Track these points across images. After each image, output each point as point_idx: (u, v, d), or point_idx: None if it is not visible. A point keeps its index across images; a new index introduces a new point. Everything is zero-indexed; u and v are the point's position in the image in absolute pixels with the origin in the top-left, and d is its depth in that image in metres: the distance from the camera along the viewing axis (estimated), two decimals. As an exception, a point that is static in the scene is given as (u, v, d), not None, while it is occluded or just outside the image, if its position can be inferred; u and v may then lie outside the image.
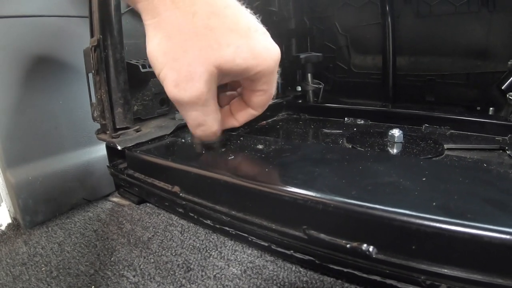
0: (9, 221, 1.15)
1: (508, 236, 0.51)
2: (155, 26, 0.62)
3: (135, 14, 1.26)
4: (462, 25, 1.93)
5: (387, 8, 1.94)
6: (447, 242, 0.56)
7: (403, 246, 0.59)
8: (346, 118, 1.72)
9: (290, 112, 1.90)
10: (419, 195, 0.64)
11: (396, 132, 1.26)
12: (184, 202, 0.93)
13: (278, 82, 1.96)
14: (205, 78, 0.62)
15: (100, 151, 1.28)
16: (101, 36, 1.02)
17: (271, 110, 1.82)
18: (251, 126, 1.59)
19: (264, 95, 0.81)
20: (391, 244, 0.61)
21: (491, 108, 1.72)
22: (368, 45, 2.13)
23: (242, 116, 0.90)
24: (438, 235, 0.56)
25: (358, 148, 1.22)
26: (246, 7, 0.71)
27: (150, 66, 1.17)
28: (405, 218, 0.58)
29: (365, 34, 2.12)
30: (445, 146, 1.27)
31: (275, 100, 1.89)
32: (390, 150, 1.21)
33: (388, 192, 0.66)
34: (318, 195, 0.66)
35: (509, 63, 1.52)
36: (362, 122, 1.69)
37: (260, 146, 0.98)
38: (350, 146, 1.25)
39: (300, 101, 1.96)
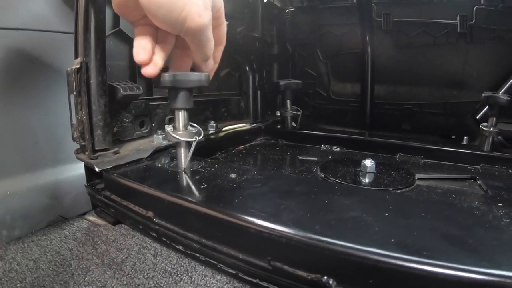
0: (-16, 236, 1.15)
1: (462, 274, 0.54)
2: None
3: (119, 36, 1.30)
4: (440, 56, 2.02)
5: (367, 38, 2.01)
6: (403, 278, 0.58)
7: (361, 280, 0.62)
8: (322, 145, 1.77)
9: (268, 137, 1.94)
10: (379, 231, 0.67)
11: (368, 163, 1.31)
12: (157, 227, 0.94)
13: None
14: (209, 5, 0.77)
15: (78, 169, 1.28)
16: (84, 59, 1.04)
17: (250, 134, 1.87)
18: (228, 151, 1.63)
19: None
20: (349, 278, 0.64)
21: (465, 137, 1.78)
22: (347, 73, 2.20)
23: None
24: (395, 271, 0.58)
25: (329, 180, 1.25)
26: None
27: (131, 89, 1.22)
28: (363, 254, 0.61)
29: (345, 62, 2.19)
30: (417, 176, 1.31)
31: (254, 125, 1.94)
32: (362, 180, 1.25)
33: (350, 227, 0.69)
34: (282, 229, 0.69)
35: (483, 95, 1.58)
36: (338, 149, 1.74)
37: (233, 175, 1.01)
38: (323, 176, 1.29)
39: (278, 126, 2.01)
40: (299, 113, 1.95)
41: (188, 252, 0.90)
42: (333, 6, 2.21)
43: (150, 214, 0.96)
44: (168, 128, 1.11)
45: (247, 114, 1.99)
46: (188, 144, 1.06)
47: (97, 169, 1.07)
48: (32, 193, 1.17)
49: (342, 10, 2.16)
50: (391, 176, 1.29)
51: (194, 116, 1.69)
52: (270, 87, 2.06)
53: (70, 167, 1.29)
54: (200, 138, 1.06)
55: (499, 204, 1.06)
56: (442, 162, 1.55)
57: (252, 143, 1.84)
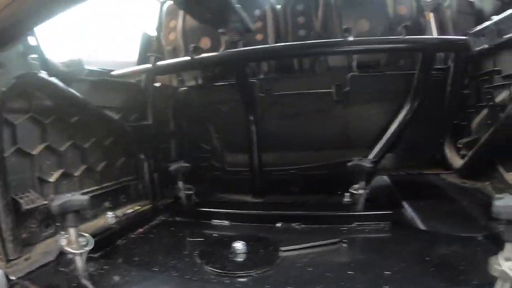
0: None
1: None
2: None
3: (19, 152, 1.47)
4: (321, 122, 2.31)
5: (250, 114, 2.26)
6: None
7: None
8: (213, 220, 1.95)
9: (167, 215, 2.09)
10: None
11: (238, 246, 1.50)
12: None
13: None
14: None
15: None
16: None
17: (149, 215, 2.02)
18: (127, 236, 1.77)
19: None
20: None
21: (346, 194, 1.93)
22: (238, 145, 2.42)
23: None
24: None
25: (202, 268, 1.42)
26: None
27: (33, 201, 1.39)
28: None
29: (235, 135, 2.42)
30: (282, 248, 1.52)
31: (151, 206, 2.11)
32: (231, 265, 1.43)
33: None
34: None
35: (348, 164, 1.83)
36: (227, 223, 1.92)
37: (116, 278, 1.23)
38: (199, 262, 1.47)
39: (175, 205, 2.16)
40: (191, 192, 2.10)
41: None
42: (219, 84, 2.45)
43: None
44: (63, 242, 1.27)
45: (146, 196, 2.16)
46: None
47: (13, 278, 1.22)
48: None
49: (227, 88, 2.40)
50: (259, 254, 1.50)
51: (93, 209, 1.83)
52: (166, 168, 2.20)
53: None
54: (89, 248, 1.25)
55: (350, 272, 1.30)
56: (317, 226, 1.77)
57: (152, 223, 1.98)
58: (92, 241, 1.27)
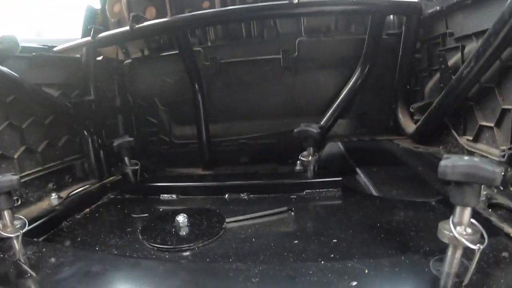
0: None
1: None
2: None
3: None
4: (269, 90, 2.27)
5: (196, 85, 2.20)
6: None
7: None
8: (161, 195, 1.92)
9: (115, 193, 2.04)
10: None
11: (180, 219, 1.48)
12: None
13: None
14: None
15: None
16: None
17: (96, 194, 1.96)
18: (73, 218, 1.72)
19: None
20: None
21: (298, 162, 1.94)
22: (186, 117, 2.38)
23: None
24: None
25: (144, 244, 1.41)
26: None
27: None
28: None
29: (183, 107, 2.37)
30: (227, 220, 1.51)
31: (100, 183, 2.06)
32: (174, 239, 1.41)
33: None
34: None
35: (295, 130, 1.82)
36: (174, 197, 1.89)
37: (53, 260, 1.19)
38: (141, 238, 1.45)
39: (122, 182, 2.10)
40: (137, 167, 2.04)
41: None
42: (164, 54, 2.38)
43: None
44: None
45: (93, 174, 2.10)
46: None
47: None
48: None
49: (173, 58, 2.32)
50: (202, 227, 1.49)
51: (35, 192, 1.78)
52: (111, 145, 2.11)
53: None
54: (24, 230, 1.19)
55: (295, 241, 1.30)
56: (266, 196, 1.76)
57: (99, 202, 1.93)
58: (25, 223, 1.22)
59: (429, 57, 2.11)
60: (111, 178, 2.14)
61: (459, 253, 0.88)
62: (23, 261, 1.18)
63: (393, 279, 0.95)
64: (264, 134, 2.26)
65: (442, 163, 0.86)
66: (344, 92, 2.19)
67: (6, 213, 1.19)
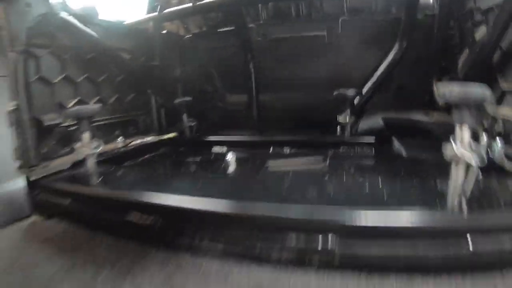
0: None
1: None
2: None
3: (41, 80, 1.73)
4: (314, 63, 2.47)
5: (249, 57, 2.46)
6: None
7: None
8: (213, 148, 2.19)
9: (171, 146, 2.34)
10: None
11: (229, 156, 1.77)
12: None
13: None
14: None
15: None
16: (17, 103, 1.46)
17: (156, 144, 2.28)
18: (135, 160, 2.03)
19: None
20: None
21: (338, 127, 2.14)
22: (238, 87, 2.64)
23: None
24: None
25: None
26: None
27: (52, 119, 1.65)
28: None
29: (236, 78, 2.63)
30: (269, 163, 1.75)
31: (158, 138, 2.37)
32: (225, 167, 1.69)
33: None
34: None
35: (334, 93, 2.04)
36: (224, 150, 2.13)
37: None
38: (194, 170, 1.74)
39: (179, 137, 2.42)
40: (193, 124, 2.35)
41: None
42: (221, 31, 2.65)
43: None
44: (77, 145, 1.52)
45: (153, 129, 2.41)
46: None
47: (33, 178, 1.51)
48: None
49: (228, 34, 2.59)
50: (247, 167, 1.74)
51: (105, 136, 2.09)
52: (173, 105, 2.43)
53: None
54: (99, 150, 1.50)
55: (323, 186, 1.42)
56: (306, 151, 1.96)
57: (157, 152, 2.23)
58: (100, 145, 1.52)
59: (460, 33, 2.21)
60: (169, 135, 2.44)
61: (461, 170, 0.98)
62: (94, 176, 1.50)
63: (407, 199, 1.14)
64: (308, 104, 2.45)
65: (441, 89, 1.00)
66: (382, 67, 2.32)
67: (86, 135, 1.48)
